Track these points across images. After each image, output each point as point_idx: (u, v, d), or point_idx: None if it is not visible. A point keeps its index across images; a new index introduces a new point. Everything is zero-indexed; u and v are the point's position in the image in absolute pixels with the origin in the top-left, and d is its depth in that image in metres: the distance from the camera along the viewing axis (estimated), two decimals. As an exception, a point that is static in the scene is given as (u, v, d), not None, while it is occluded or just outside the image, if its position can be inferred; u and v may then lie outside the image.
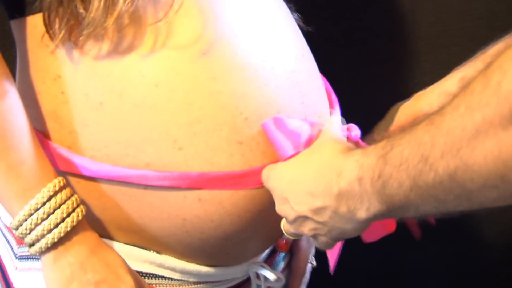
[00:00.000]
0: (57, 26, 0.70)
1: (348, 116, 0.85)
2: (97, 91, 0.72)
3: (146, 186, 0.68)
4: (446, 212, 0.54)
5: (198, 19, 0.71)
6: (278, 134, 0.67)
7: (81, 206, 0.73)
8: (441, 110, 0.50)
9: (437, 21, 1.25)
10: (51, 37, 0.71)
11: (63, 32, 0.69)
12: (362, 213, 0.56)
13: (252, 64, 0.68)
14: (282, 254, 0.87)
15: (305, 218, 0.63)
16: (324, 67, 0.87)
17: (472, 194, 0.49)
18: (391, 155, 0.54)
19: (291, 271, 0.96)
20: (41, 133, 0.76)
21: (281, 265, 0.87)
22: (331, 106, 0.79)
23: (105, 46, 0.71)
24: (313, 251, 0.99)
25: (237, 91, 0.67)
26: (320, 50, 0.85)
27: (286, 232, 0.69)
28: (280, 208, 0.66)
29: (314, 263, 0.99)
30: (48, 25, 0.70)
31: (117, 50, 0.71)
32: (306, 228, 0.64)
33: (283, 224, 0.69)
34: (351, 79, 1.10)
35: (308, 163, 0.63)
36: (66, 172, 0.74)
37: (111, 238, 0.77)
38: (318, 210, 0.60)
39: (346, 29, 1.28)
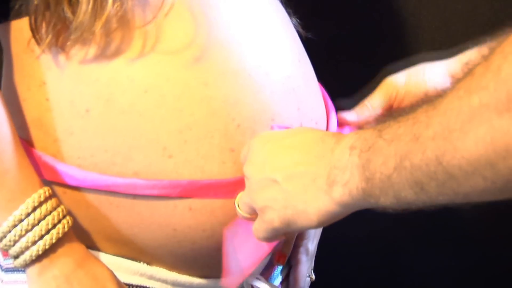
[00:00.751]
0: (43, 30, 0.68)
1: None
2: (83, 97, 0.70)
3: (135, 196, 0.66)
4: (427, 203, 0.50)
5: (190, 23, 0.69)
6: None
7: (68, 217, 0.71)
8: (443, 93, 0.48)
9: (441, 26, 1.23)
10: (38, 42, 0.69)
11: (50, 36, 0.68)
12: (338, 188, 0.53)
13: (246, 70, 0.66)
14: (280, 268, 0.84)
15: (271, 182, 0.58)
16: (323, 73, 0.84)
17: (457, 183, 0.45)
18: (387, 130, 0.52)
19: (289, 285, 0.93)
20: (25, 142, 0.73)
21: (279, 279, 0.84)
22: (327, 112, 0.76)
23: (92, 50, 0.69)
24: (312, 265, 0.96)
25: (229, 97, 0.65)
26: (318, 55, 0.83)
27: (239, 208, 0.65)
28: (248, 168, 0.61)
29: (313, 277, 0.96)
30: (34, 30, 0.68)
31: (105, 54, 0.69)
32: (263, 196, 0.59)
33: (238, 198, 0.65)
34: (351, 85, 1.07)
35: (304, 131, 0.60)
36: (51, 181, 0.72)
37: (99, 250, 0.75)
38: (294, 175, 0.56)
39: (348, 34, 1.26)
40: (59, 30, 0.67)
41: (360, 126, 0.80)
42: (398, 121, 0.51)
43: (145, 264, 0.72)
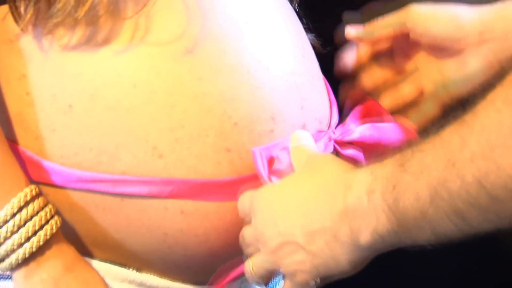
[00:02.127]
0: (23, 7, 0.63)
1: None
2: (66, 92, 0.66)
3: (123, 197, 0.63)
4: (469, 233, 0.46)
5: (182, 14, 0.65)
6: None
7: (56, 217, 0.68)
8: (472, 109, 0.44)
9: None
10: (16, 20, 0.64)
11: (30, 13, 0.63)
12: (366, 236, 0.50)
13: (243, 64, 0.62)
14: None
15: (293, 246, 0.55)
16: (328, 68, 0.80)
17: (503, 206, 0.42)
18: (411, 162, 0.47)
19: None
20: (9, 139, 0.69)
21: (281, 284, 0.82)
22: (330, 109, 0.72)
23: (75, 40, 0.65)
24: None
25: (225, 93, 0.61)
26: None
27: (254, 273, 0.61)
28: (258, 231, 0.58)
29: (318, 280, 0.93)
30: (13, 6, 0.64)
31: (89, 45, 0.65)
32: (289, 261, 0.56)
33: (252, 263, 0.61)
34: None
35: (308, 179, 0.57)
36: (34, 181, 0.68)
37: (85, 255, 0.71)
38: (313, 235, 0.53)
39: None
40: (40, 8, 0.63)
41: (364, 45, 0.74)
42: (421, 150, 0.47)
43: (134, 270, 0.69)
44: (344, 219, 0.51)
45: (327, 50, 0.82)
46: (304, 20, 0.79)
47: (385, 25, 0.71)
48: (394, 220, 0.49)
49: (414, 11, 0.68)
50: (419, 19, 0.67)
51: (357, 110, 0.76)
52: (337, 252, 0.53)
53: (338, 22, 0.94)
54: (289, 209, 0.56)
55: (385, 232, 0.50)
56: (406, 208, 0.48)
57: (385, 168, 0.50)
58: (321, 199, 0.54)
